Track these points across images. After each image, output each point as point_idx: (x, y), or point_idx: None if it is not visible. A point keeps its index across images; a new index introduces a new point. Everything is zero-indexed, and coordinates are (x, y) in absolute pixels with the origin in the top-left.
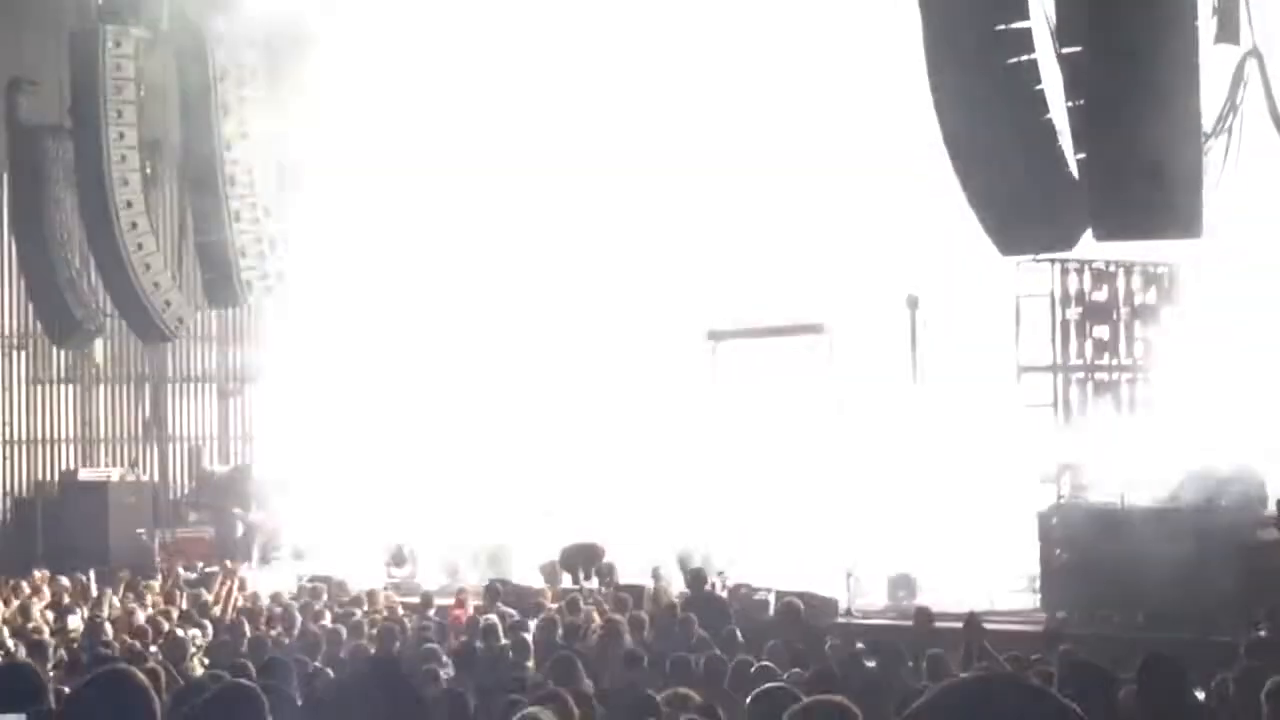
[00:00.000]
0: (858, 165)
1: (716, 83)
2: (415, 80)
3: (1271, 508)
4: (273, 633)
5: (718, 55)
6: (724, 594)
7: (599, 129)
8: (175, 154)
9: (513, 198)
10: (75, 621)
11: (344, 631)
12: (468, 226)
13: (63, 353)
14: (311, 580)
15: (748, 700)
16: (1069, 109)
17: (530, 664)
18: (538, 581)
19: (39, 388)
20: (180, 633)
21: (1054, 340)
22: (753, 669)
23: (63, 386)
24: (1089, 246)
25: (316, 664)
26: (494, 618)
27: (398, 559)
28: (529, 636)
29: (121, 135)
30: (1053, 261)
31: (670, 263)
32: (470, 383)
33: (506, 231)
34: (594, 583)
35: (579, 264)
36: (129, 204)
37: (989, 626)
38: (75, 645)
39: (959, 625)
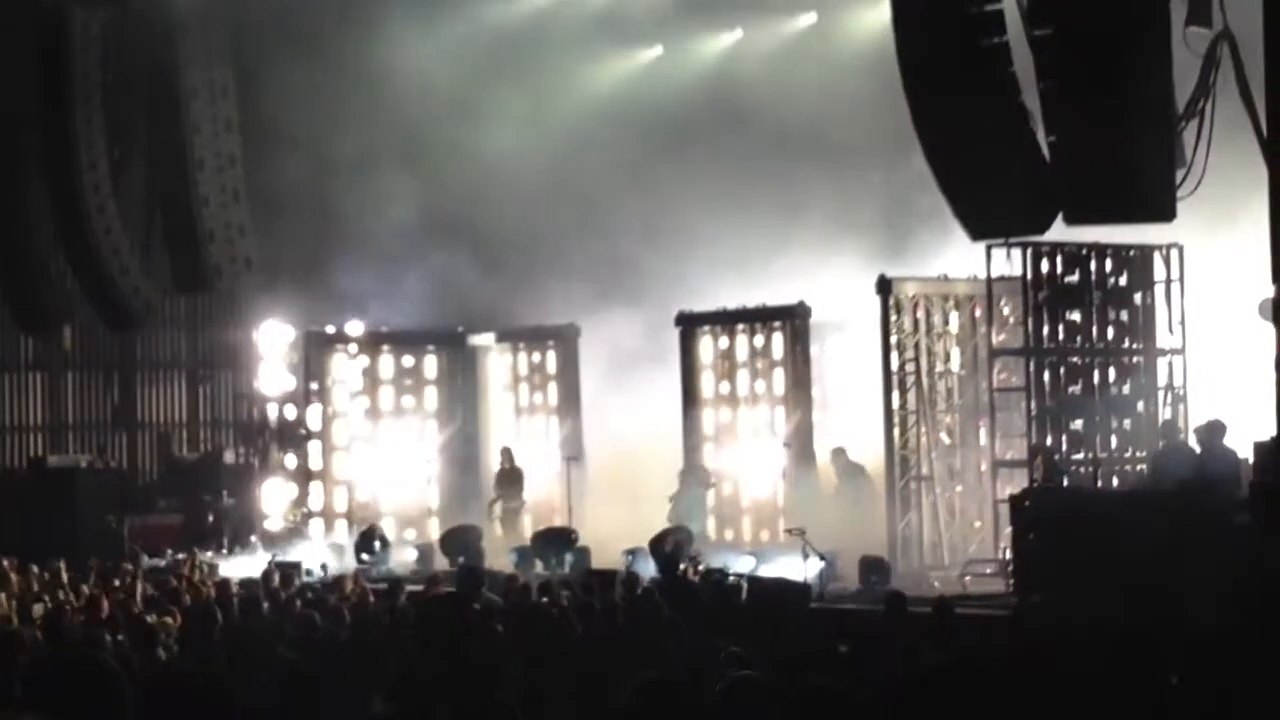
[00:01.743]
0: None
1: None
2: None
3: (1245, 490)
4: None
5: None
6: (695, 579)
7: None
8: (143, 138)
9: None
10: (43, 610)
11: (317, 617)
12: None
13: (31, 339)
14: (280, 566)
15: (719, 689)
16: (1040, 92)
17: None
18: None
19: (7, 374)
20: (150, 620)
21: (1026, 323)
22: (723, 654)
23: (31, 373)
24: (1061, 230)
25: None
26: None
27: (368, 544)
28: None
29: (90, 119)
30: (1024, 245)
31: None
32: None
33: None
34: (566, 568)
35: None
36: (96, 189)
37: (960, 611)
38: (43, 633)
39: (931, 610)
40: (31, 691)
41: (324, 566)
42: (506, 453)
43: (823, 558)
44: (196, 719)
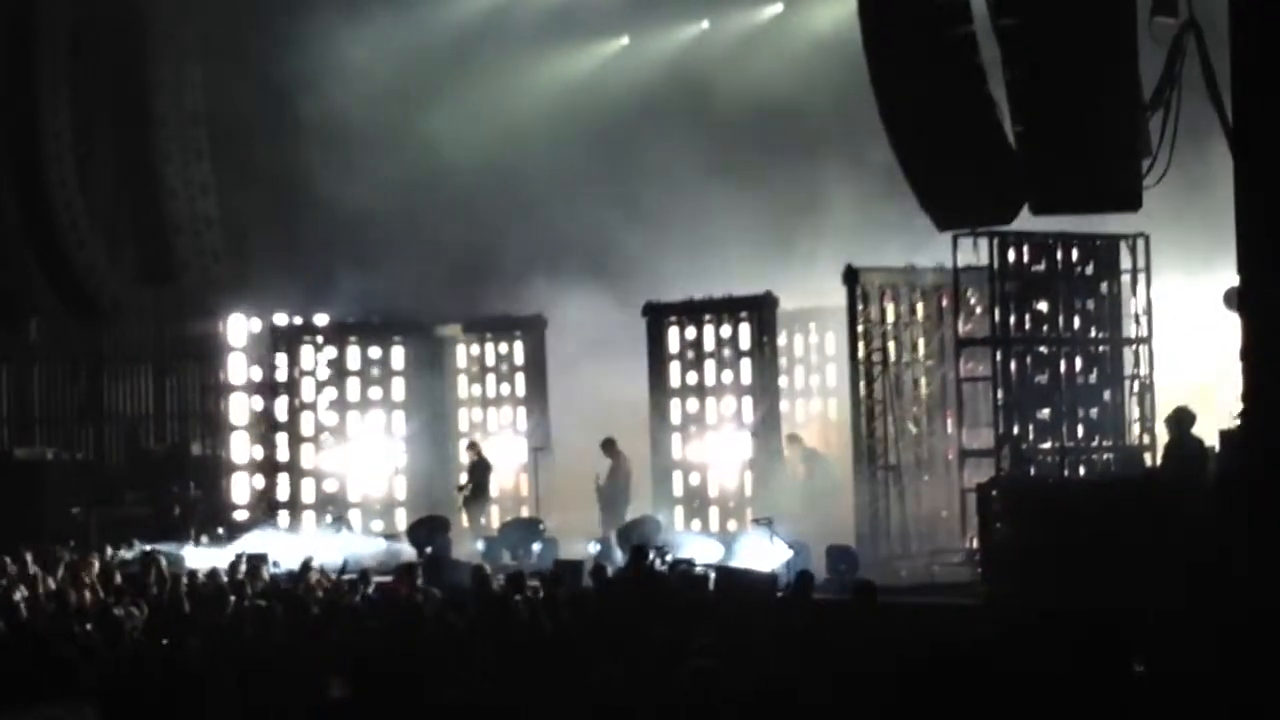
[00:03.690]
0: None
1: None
2: None
3: (1211, 478)
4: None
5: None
6: (664, 570)
7: None
8: (111, 130)
9: None
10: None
11: (280, 609)
12: None
13: None
14: (247, 558)
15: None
16: (1006, 82)
17: None
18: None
19: None
20: (117, 611)
21: (992, 313)
22: (693, 646)
23: None
24: (1027, 219)
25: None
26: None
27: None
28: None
29: (56, 111)
30: (991, 235)
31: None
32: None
33: None
34: (534, 559)
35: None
36: (63, 183)
37: (929, 600)
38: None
39: (899, 600)
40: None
41: (345, 564)
42: (473, 445)
43: (791, 547)
44: None
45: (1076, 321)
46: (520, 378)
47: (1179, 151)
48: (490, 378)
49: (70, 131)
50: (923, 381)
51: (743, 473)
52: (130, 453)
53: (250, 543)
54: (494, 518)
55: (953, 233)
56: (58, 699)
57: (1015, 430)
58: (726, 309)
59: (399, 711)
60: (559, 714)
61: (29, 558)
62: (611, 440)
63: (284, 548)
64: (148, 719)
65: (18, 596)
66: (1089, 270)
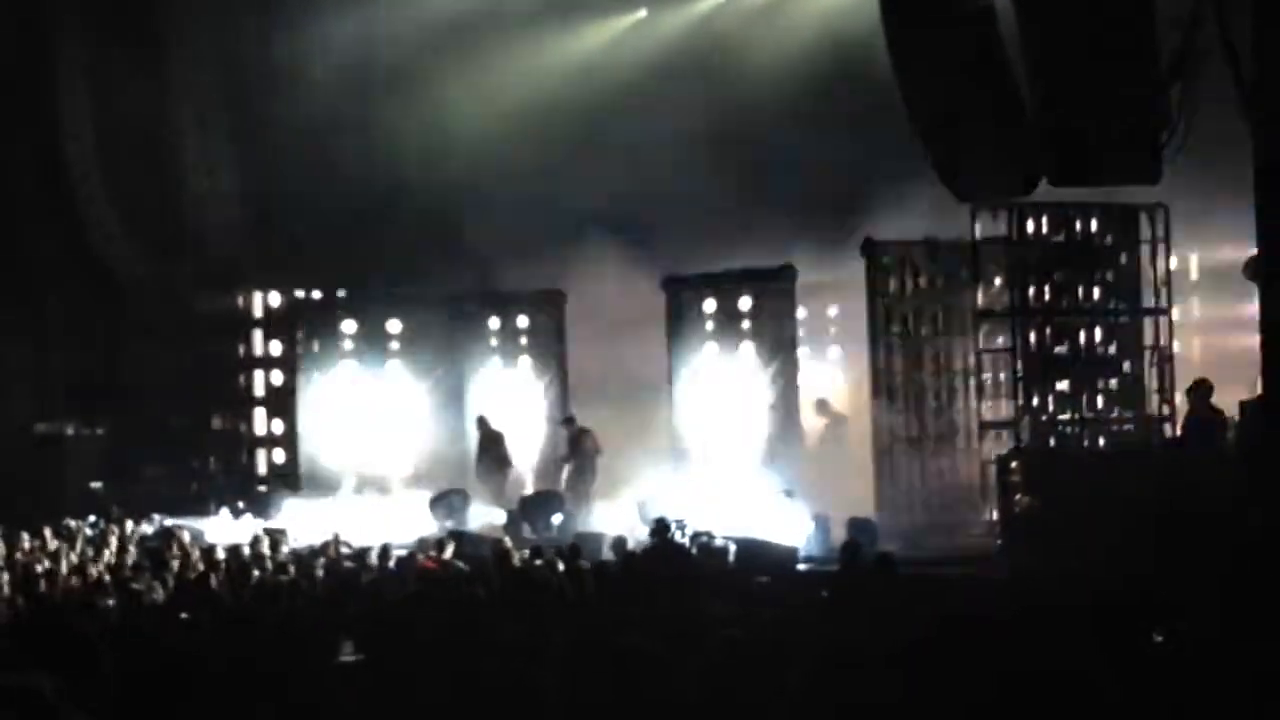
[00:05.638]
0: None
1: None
2: None
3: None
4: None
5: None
6: (685, 542)
7: None
8: (130, 104)
9: None
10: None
11: (303, 584)
12: None
13: (19, 305)
14: (267, 532)
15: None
16: (1024, 52)
17: None
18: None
19: None
20: (137, 586)
21: (1012, 284)
22: (712, 615)
23: (18, 339)
24: (1047, 190)
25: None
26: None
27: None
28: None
29: (74, 88)
30: (1010, 206)
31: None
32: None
33: None
34: (554, 532)
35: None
36: (82, 157)
37: (949, 572)
38: (32, 599)
39: (919, 571)
40: (11, 654)
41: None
42: (481, 420)
43: (812, 519)
44: None
45: (1096, 292)
46: (541, 350)
47: (1197, 122)
48: (511, 350)
49: (89, 106)
50: (942, 353)
51: (761, 445)
52: (150, 427)
53: (271, 516)
54: (514, 490)
55: (972, 204)
56: (68, 674)
57: (1035, 402)
58: (746, 281)
59: (422, 680)
60: (584, 681)
61: (48, 533)
62: (572, 418)
63: (305, 521)
64: (167, 694)
65: (38, 571)
66: (1108, 241)
